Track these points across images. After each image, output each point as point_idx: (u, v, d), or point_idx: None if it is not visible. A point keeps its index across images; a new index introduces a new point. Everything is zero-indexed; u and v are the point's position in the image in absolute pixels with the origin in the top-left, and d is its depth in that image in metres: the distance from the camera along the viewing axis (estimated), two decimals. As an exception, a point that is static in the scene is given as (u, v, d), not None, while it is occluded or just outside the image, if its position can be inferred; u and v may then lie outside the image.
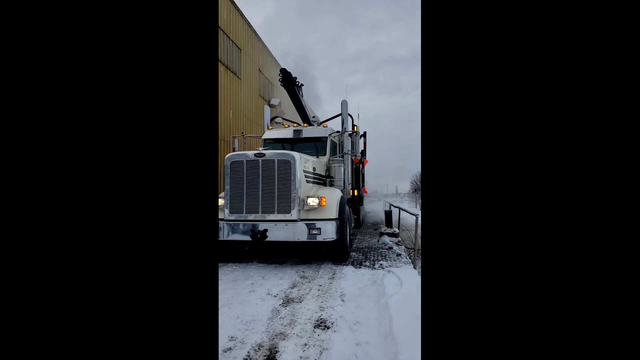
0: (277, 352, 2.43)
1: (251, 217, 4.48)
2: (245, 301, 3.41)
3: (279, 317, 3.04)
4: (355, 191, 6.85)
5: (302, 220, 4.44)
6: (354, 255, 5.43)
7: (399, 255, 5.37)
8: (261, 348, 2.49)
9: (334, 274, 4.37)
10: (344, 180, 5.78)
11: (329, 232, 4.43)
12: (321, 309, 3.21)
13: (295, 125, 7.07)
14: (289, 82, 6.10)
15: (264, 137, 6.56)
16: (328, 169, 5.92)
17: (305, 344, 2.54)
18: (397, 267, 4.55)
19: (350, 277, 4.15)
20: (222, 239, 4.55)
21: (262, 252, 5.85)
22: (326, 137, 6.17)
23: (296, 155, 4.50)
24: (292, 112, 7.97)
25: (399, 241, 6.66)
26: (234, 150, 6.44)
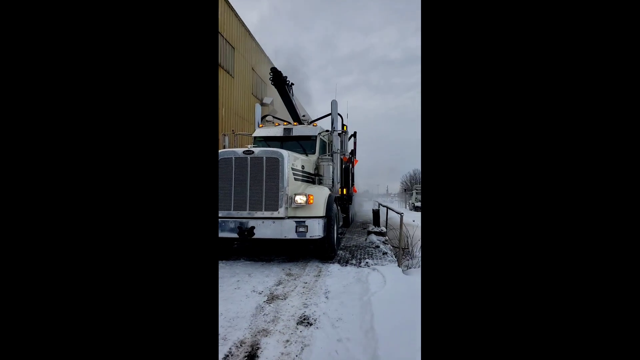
0: (258, 348, 2.46)
1: (239, 214, 4.48)
2: (230, 298, 3.42)
3: (263, 314, 3.06)
4: (345, 190, 6.90)
5: (289, 217, 4.47)
6: (341, 254, 5.48)
7: (385, 253, 5.44)
8: (243, 344, 2.51)
9: (320, 271, 4.41)
10: (332, 179, 5.82)
11: (316, 229, 4.47)
12: (305, 306, 3.24)
13: (285, 123, 7.08)
14: (280, 81, 6.10)
15: (254, 134, 6.55)
16: (317, 168, 5.95)
17: (287, 341, 2.57)
18: (382, 265, 4.62)
19: (335, 275, 4.20)
20: None
21: (250, 249, 5.85)
22: (316, 136, 6.21)
23: (284, 153, 4.52)
24: (284, 111, 7.97)
25: (386, 240, 6.74)
26: (224, 148, 6.42)
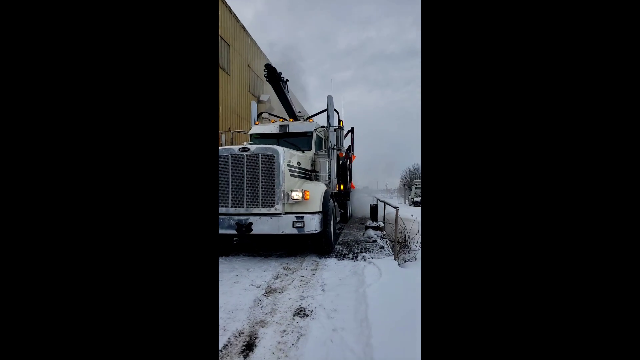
0: (256, 338, 2.54)
1: (236, 210, 4.56)
2: (229, 292, 3.51)
3: (261, 306, 3.15)
4: (342, 186, 6.97)
5: (286, 213, 4.54)
6: (339, 248, 5.57)
7: (382, 247, 5.53)
8: (241, 334, 2.60)
9: (317, 265, 4.50)
10: (329, 175, 5.88)
11: (312, 224, 4.54)
12: (302, 298, 3.33)
13: (281, 120, 7.13)
14: (274, 78, 6.14)
15: (251, 132, 6.61)
16: (313, 164, 6.02)
17: (284, 331, 2.66)
18: (378, 259, 4.70)
19: (332, 269, 4.29)
20: None
21: (249, 245, 5.94)
22: (311, 132, 6.26)
23: (280, 149, 4.59)
24: (281, 108, 8.02)
25: (383, 234, 6.83)
26: (221, 146, 6.47)
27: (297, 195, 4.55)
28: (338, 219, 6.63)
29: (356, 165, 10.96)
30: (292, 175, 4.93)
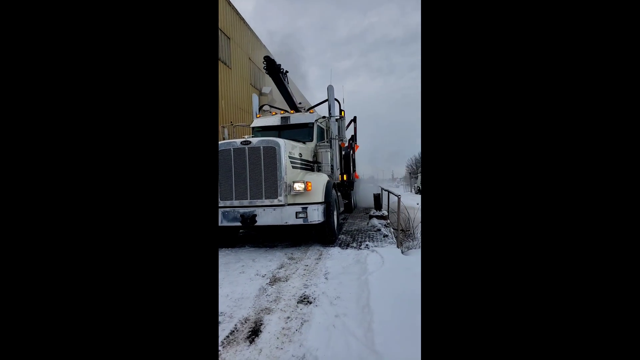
0: (262, 324, 2.64)
1: (240, 203, 4.64)
2: (235, 281, 3.62)
3: (266, 294, 3.25)
4: (345, 176, 6.99)
5: (289, 204, 4.61)
6: (342, 238, 5.64)
7: (385, 236, 5.58)
8: (247, 321, 2.70)
9: (321, 255, 4.58)
10: (331, 165, 5.91)
11: (315, 215, 4.61)
12: (305, 286, 3.42)
13: (282, 112, 7.14)
14: (274, 70, 6.13)
15: (252, 125, 6.64)
16: (315, 155, 6.05)
17: (288, 317, 2.75)
18: (382, 247, 4.77)
19: (336, 257, 4.36)
20: None
21: (254, 237, 6.05)
22: (313, 123, 6.27)
23: (281, 141, 4.63)
24: (283, 100, 8.02)
25: (387, 223, 6.87)
26: (224, 140, 6.53)
27: (299, 186, 4.61)
28: (342, 209, 6.68)
29: (360, 155, 10.94)
30: (294, 167, 4.98)
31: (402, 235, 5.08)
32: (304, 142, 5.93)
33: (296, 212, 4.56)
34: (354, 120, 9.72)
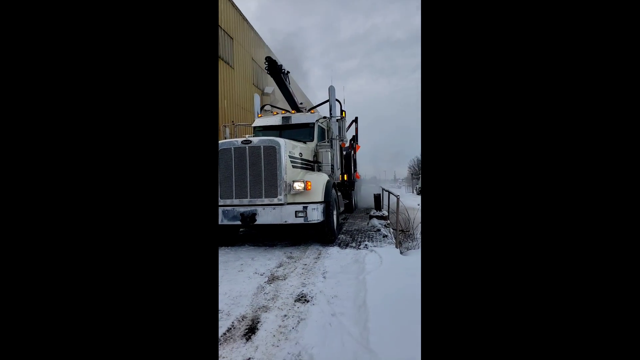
0: (259, 322, 2.66)
1: (240, 202, 4.67)
2: (233, 280, 3.64)
3: (264, 292, 3.27)
4: (345, 176, 7.01)
5: (289, 203, 4.63)
6: (342, 237, 5.65)
7: (385, 236, 5.58)
8: (244, 319, 2.72)
9: (320, 254, 4.60)
10: (332, 165, 5.93)
11: (314, 214, 4.63)
12: (303, 285, 3.44)
13: (283, 112, 7.17)
14: (275, 70, 6.16)
15: (253, 125, 6.68)
16: (316, 155, 6.06)
17: (285, 315, 2.77)
18: (381, 247, 4.77)
19: (334, 257, 4.38)
20: None
21: (254, 236, 6.08)
22: (314, 123, 6.29)
23: (281, 141, 4.65)
24: (285, 100, 8.05)
25: (387, 223, 6.87)
26: (225, 139, 6.57)
27: (299, 185, 4.63)
28: (342, 209, 6.70)
29: (361, 156, 10.96)
30: (294, 167, 5.00)
31: (401, 236, 5.08)
32: (304, 142, 5.95)
33: (296, 211, 4.58)
34: (356, 120, 9.74)
